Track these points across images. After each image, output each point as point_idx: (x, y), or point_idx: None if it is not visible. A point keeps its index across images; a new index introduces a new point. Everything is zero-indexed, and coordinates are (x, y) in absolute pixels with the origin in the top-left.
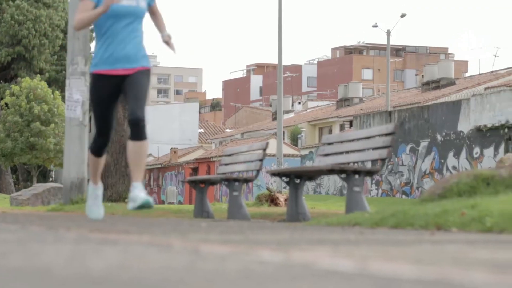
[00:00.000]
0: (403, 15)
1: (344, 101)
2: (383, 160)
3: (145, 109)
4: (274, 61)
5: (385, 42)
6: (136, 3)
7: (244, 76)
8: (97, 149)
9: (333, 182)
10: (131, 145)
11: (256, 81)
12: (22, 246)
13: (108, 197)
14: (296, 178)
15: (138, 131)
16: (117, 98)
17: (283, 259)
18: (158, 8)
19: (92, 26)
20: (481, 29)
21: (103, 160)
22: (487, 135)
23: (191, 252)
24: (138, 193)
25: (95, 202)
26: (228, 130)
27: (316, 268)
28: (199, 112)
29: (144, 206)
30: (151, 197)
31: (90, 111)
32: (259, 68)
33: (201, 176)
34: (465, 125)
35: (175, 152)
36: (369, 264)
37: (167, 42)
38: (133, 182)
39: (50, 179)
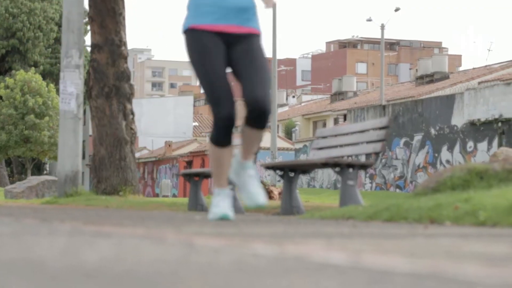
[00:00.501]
0: (397, 9)
1: (338, 95)
2: (377, 153)
3: (269, 93)
4: (268, 54)
5: (379, 36)
6: None
7: None
8: (223, 132)
9: (327, 175)
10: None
11: None
12: (16, 239)
13: (103, 190)
14: (290, 171)
15: (259, 117)
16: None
17: (277, 252)
18: None
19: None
20: (476, 23)
21: (230, 152)
22: (481, 129)
23: (185, 245)
24: (256, 188)
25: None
26: None
27: (309, 261)
28: (194, 106)
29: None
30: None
31: (84, 104)
32: None
33: (196, 169)
34: (459, 119)
35: (169, 145)
36: (363, 257)
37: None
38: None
39: (45, 172)
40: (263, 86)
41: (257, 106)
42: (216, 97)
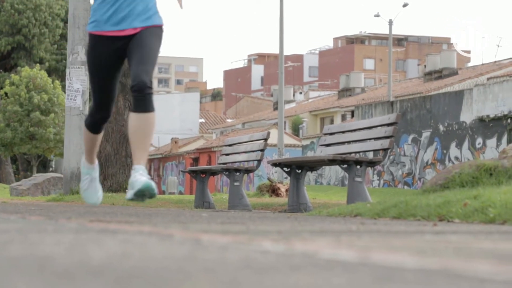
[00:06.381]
0: (405, 5)
1: (346, 91)
2: (385, 150)
3: (152, 75)
4: (276, 50)
5: (387, 32)
6: None
7: (245, 66)
8: (94, 124)
9: (334, 172)
10: (133, 118)
11: (257, 71)
12: (22, 236)
13: (109, 187)
14: (297, 168)
15: (143, 100)
16: (121, 63)
17: (284, 249)
18: None
19: None
20: (484, 18)
21: (100, 136)
22: (490, 126)
23: (192, 242)
24: (139, 176)
25: (91, 185)
26: (229, 120)
27: (317, 258)
28: (200, 102)
29: (143, 191)
30: (154, 184)
31: (90, 101)
32: (260, 57)
33: (202, 166)
34: (467, 116)
35: (175, 142)
36: (371, 254)
37: None
38: (134, 164)
39: (50, 169)
40: (147, 71)
41: (139, 87)
42: (99, 102)
